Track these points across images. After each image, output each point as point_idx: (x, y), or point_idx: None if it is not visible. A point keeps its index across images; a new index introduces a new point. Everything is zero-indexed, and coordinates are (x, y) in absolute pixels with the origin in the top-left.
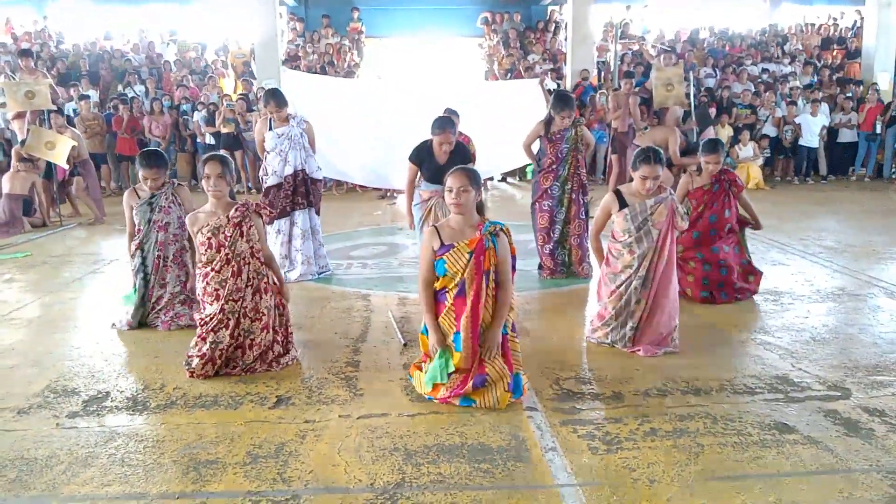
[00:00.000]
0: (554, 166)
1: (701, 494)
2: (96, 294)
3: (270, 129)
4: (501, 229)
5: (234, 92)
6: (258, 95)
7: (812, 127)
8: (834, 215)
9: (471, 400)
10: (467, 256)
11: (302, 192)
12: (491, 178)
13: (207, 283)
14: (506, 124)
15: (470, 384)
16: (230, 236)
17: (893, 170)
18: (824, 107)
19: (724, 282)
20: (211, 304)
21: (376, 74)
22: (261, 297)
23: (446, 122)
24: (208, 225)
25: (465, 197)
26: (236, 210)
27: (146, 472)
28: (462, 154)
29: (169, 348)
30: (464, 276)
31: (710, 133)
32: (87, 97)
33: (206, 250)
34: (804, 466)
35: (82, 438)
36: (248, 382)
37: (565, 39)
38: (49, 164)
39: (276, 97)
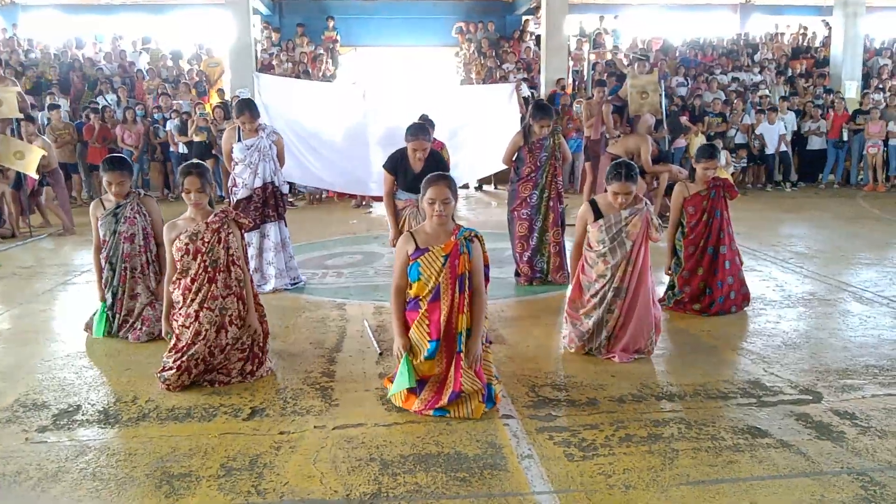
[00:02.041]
0: (533, 175)
1: (676, 499)
2: (67, 306)
3: (239, 139)
4: (476, 235)
5: (208, 102)
6: (232, 105)
7: (773, 135)
8: (804, 221)
9: (445, 410)
10: (442, 260)
11: (272, 204)
12: (466, 187)
13: (186, 294)
14: (480, 130)
15: (445, 399)
16: (208, 241)
17: (861, 176)
18: (790, 115)
19: (724, 294)
20: (188, 316)
21: (351, 82)
22: (243, 305)
23: (420, 129)
24: (186, 231)
25: (448, 208)
26: (215, 216)
27: (118, 487)
28: (437, 161)
29: (141, 360)
30: (438, 281)
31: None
32: (58, 106)
33: (182, 256)
34: (777, 470)
35: (52, 453)
36: (222, 394)
37: (539, 48)
38: (18, 173)
39: (250, 108)
